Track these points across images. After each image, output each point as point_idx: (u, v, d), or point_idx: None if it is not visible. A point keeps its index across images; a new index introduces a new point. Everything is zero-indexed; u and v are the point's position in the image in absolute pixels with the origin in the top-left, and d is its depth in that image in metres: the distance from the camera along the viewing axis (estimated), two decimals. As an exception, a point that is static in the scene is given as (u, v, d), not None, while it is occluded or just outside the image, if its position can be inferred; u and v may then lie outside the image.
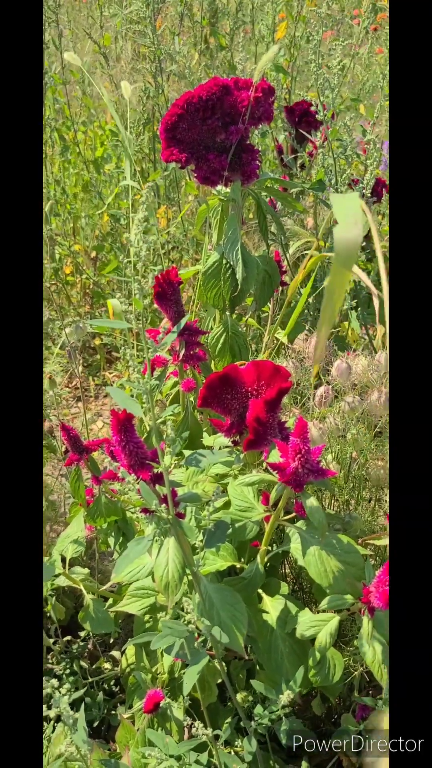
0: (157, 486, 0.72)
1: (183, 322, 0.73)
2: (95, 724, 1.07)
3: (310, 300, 1.17)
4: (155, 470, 0.70)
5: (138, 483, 0.67)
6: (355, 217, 0.32)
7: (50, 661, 1.15)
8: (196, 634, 0.70)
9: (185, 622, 0.74)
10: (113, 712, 1.10)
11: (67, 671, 1.14)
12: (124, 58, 1.75)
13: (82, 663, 1.16)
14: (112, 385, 1.94)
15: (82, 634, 1.23)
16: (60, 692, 0.67)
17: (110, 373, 1.95)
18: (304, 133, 1.47)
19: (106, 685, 1.17)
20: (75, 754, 0.70)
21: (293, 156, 1.53)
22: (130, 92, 1.44)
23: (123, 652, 1.22)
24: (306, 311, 1.16)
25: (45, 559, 0.88)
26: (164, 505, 0.68)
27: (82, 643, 1.19)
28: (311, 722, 1.03)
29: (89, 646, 1.20)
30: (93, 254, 2.08)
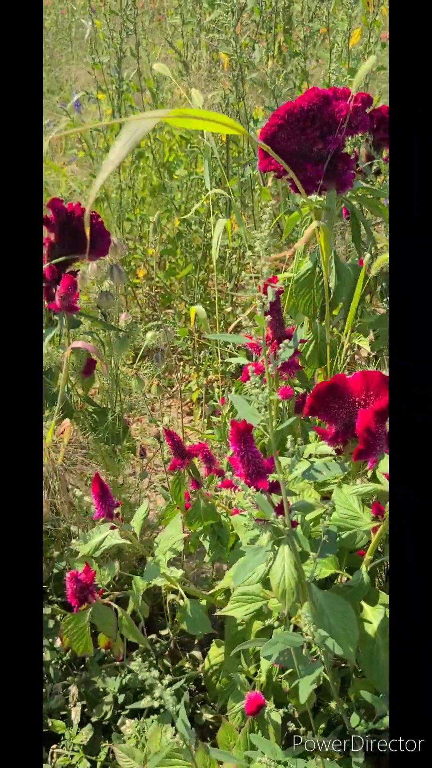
0: (272, 495, 0.73)
1: (296, 338, 0.74)
2: (181, 723, 1.09)
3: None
4: (271, 480, 0.71)
5: (256, 493, 0.68)
6: None
7: (135, 659, 1.17)
8: (308, 643, 0.71)
9: (294, 630, 0.75)
10: (197, 711, 1.13)
11: (151, 670, 1.16)
12: (201, 66, 1.77)
13: (165, 662, 1.18)
14: (179, 387, 1.96)
15: (163, 632, 1.25)
16: (162, 683, 0.69)
17: (176, 375, 1.98)
18: (381, 139, 1.47)
19: (186, 685, 1.19)
20: (181, 745, 0.72)
21: (368, 162, 1.53)
22: (201, 101, 1.47)
23: (205, 653, 1.24)
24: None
25: (149, 559, 0.90)
26: (280, 515, 0.69)
27: (165, 642, 1.21)
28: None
29: (171, 645, 1.23)
30: (158, 257, 2.11)
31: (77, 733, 1.00)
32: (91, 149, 1.84)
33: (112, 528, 0.86)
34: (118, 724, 1.05)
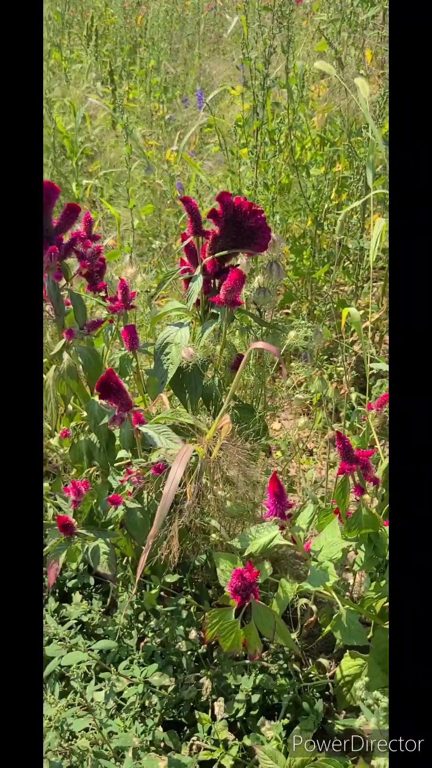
0: None
1: None
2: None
3: None
4: None
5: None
6: None
7: (265, 659, 1.17)
8: None
9: None
10: (329, 721, 1.10)
11: (281, 673, 1.15)
12: (349, 63, 1.74)
13: (294, 666, 1.17)
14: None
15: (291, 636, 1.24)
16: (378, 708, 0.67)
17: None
18: None
19: (311, 692, 1.17)
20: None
21: None
22: (368, 91, 1.43)
23: (331, 661, 1.22)
24: None
25: (313, 564, 0.88)
26: None
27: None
28: None
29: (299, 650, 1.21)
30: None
31: (220, 728, 1.00)
32: (228, 145, 1.85)
33: (281, 528, 0.85)
34: (258, 724, 1.04)
